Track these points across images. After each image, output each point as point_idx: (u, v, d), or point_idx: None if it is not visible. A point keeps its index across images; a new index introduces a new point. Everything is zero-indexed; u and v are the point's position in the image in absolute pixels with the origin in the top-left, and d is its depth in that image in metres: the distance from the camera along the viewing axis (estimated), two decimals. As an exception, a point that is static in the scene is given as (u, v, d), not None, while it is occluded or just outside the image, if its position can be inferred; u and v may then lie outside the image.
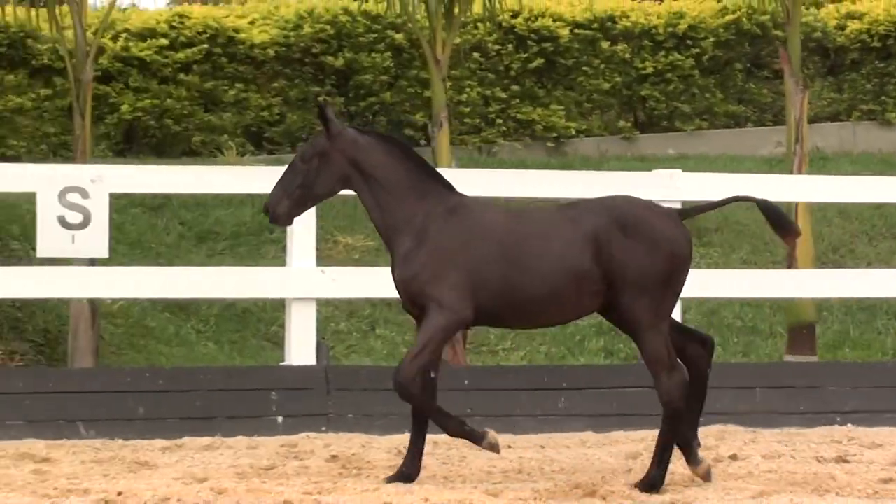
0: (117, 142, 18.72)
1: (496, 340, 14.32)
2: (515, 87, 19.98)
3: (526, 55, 20.00)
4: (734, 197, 9.20)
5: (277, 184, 8.72)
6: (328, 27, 19.55)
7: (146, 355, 13.12)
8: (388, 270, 8.67)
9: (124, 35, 18.82)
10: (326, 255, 11.52)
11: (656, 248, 8.54)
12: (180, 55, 19.00)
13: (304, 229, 10.85)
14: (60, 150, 18.08)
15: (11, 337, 12.82)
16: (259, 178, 11.31)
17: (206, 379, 10.45)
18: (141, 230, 14.90)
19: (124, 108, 18.68)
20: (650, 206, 8.88)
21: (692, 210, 9.30)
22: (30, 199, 11.85)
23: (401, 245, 8.64)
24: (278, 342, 13.10)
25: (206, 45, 19.12)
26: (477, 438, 8.68)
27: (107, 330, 12.87)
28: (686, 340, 8.89)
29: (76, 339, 11.22)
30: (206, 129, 19.06)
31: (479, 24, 19.18)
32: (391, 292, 8.76)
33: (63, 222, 10.29)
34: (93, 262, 10.73)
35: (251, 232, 15.53)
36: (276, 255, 14.72)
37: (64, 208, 10.27)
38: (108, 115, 18.27)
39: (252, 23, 19.72)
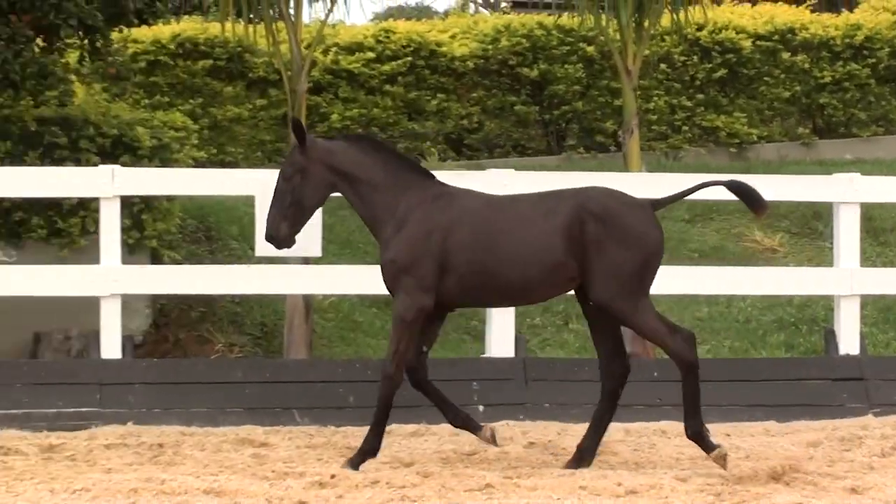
0: (326, 148, 18.86)
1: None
2: (700, 96, 19.73)
3: (710, 66, 19.72)
4: (703, 183, 9.10)
5: (270, 209, 8.74)
6: (524, 40, 19.52)
7: (355, 348, 13.20)
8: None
9: (334, 49, 19.02)
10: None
11: (627, 239, 8.41)
12: (386, 67, 19.13)
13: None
14: (274, 157, 18.33)
15: (231, 330, 12.99)
16: (458, 183, 11.39)
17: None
18: (349, 231, 14.98)
19: (334, 117, 18.86)
20: (623, 197, 8.70)
21: (665, 200, 8.90)
22: (247, 201, 12.06)
23: (383, 233, 8.65)
24: (477, 336, 13.11)
25: (409, 58, 19.21)
26: (474, 428, 8.84)
27: (319, 324, 12.98)
28: (620, 351, 8.76)
29: (291, 333, 11.32)
30: (409, 136, 19.17)
31: (667, 37, 18.93)
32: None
33: (280, 223, 10.39)
34: (306, 260, 10.83)
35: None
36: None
37: (281, 209, 10.39)
38: (318, 124, 18.43)
39: (453, 37, 19.76)
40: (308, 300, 11.39)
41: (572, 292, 8.75)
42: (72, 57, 14.91)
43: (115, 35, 14.22)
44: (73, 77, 15.83)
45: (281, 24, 11.68)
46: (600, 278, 8.37)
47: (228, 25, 12.04)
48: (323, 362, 11.26)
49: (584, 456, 8.60)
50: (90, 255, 11.26)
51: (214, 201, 14.30)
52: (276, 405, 10.24)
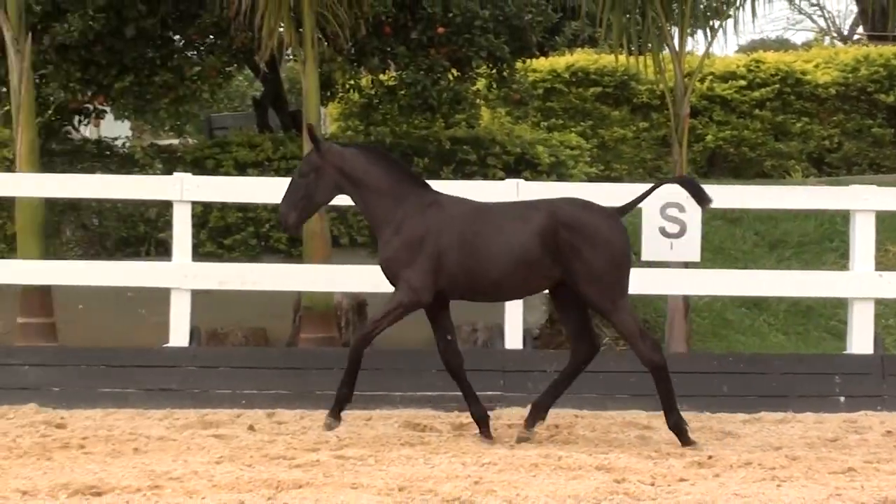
0: (701, 166, 18.81)
1: None
2: None
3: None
4: (660, 181, 9.01)
5: (283, 199, 8.62)
6: (881, 69, 19.04)
7: (726, 343, 13.04)
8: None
9: (709, 77, 18.94)
10: (878, 262, 11.16)
11: (596, 245, 8.30)
12: (756, 94, 18.96)
13: (864, 239, 10.60)
14: (655, 173, 18.35)
15: (617, 327, 13.05)
16: (821, 197, 11.19)
17: (779, 364, 10.26)
18: (721, 238, 14.84)
19: (708, 138, 18.79)
20: (589, 206, 8.53)
21: (628, 205, 8.71)
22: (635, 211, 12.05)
23: (383, 236, 8.56)
24: (837, 334, 12.76)
25: (777, 86, 18.97)
26: (484, 429, 8.64)
27: (695, 321, 12.88)
28: (585, 333, 8.62)
29: (672, 329, 11.25)
30: (775, 155, 18.91)
31: None
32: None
33: (663, 232, 10.36)
34: (686, 265, 10.78)
35: (813, 241, 15.17)
36: (834, 261, 14.35)
37: (664, 220, 10.35)
38: (694, 144, 18.34)
39: (816, 66, 19.41)
40: (687, 300, 11.32)
41: None
42: (480, 84, 15.33)
43: (518, 65, 14.52)
44: (480, 102, 16.26)
45: (665, 55, 11.64)
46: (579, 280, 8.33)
47: (622, 58, 12.09)
48: (701, 356, 11.15)
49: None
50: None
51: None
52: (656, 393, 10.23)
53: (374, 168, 8.63)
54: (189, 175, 10.71)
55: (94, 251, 12.90)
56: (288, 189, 8.70)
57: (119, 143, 13.75)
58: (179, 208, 10.47)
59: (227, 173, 12.70)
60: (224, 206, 12.66)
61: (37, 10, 12.04)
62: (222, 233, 12.88)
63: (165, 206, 12.04)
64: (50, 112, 12.84)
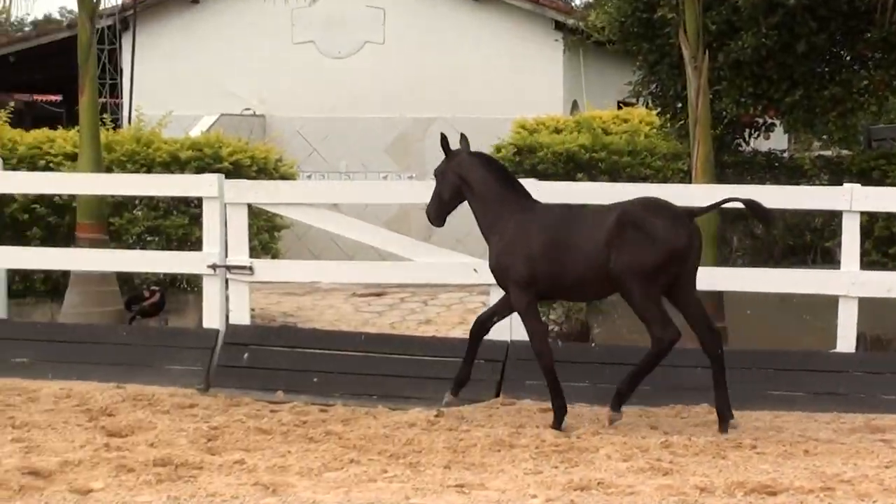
0: None
1: None
2: None
3: None
4: (728, 198, 9.74)
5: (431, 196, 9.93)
6: None
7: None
8: None
9: None
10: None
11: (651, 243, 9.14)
12: None
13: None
14: None
15: None
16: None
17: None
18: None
19: None
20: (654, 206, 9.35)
21: (699, 210, 9.56)
22: None
23: (492, 241, 9.63)
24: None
25: None
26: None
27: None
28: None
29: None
30: None
31: None
32: None
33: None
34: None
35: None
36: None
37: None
38: None
39: None
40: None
41: None
42: None
43: None
44: None
45: None
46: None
47: None
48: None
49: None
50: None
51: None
52: None
53: (488, 176, 9.69)
54: (858, 186, 11.14)
55: (760, 259, 13.66)
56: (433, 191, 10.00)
57: (785, 155, 14.47)
58: (849, 218, 10.91)
59: (892, 184, 13.02)
60: (890, 217, 13.00)
61: (712, 30, 12.94)
62: (887, 242, 13.23)
63: (831, 216, 12.58)
64: (722, 126, 13.73)
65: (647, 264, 9.10)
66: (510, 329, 10.96)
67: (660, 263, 9.12)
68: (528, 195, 9.75)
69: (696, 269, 9.49)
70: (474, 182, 9.73)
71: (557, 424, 9.43)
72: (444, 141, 9.94)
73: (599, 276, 9.26)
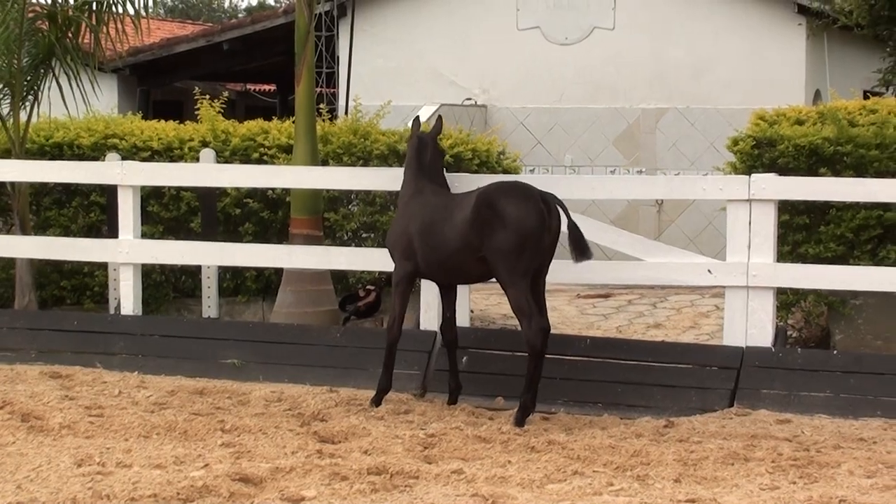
0: None
1: None
2: None
3: None
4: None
5: None
6: None
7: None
8: None
9: None
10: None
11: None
12: None
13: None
14: None
15: None
16: None
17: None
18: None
19: None
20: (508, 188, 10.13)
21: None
22: None
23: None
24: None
25: None
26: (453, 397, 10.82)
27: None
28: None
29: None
30: None
31: None
32: None
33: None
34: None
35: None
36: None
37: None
38: None
39: None
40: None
41: None
42: None
43: None
44: None
45: None
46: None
47: None
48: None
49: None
50: None
51: None
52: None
53: (412, 158, 10.81)
54: None
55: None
56: None
57: None
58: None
59: None
60: None
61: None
62: None
63: None
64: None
65: (504, 245, 9.73)
66: (745, 335, 10.82)
67: (514, 244, 9.72)
68: (442, 182, 10.79)
69: (551, 255, 10.01)
70: (405, 163, 10.96)
71: (375, 402, 10.49)
72: (415, 122, 11.16)
73: (473, 257, 10.00)
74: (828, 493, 7.61)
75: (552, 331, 10.14)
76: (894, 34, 13.67)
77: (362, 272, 14.23)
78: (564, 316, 15.70)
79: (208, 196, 14.37)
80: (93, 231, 14.88)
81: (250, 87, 32.86)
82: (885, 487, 7.80)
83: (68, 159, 14.85)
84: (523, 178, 13.17)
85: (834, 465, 8.45)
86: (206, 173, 13.39)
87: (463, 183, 11.69)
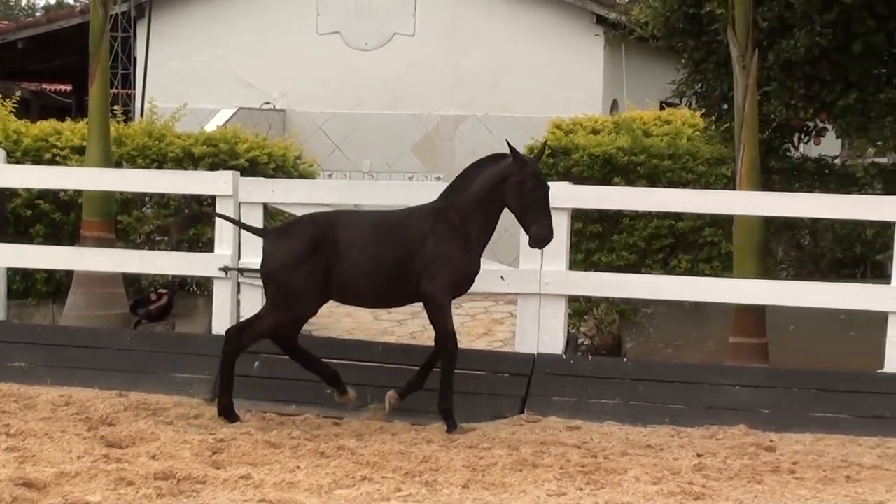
0: None
1: None
2: None
3: None
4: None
5: None
6: None
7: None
8: None
9: None
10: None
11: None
12: None
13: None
14: None
15: None
16: None
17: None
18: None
19: None
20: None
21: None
22: None
23: None
24: None
25: None
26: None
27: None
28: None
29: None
30: None
31: None
32: None
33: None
34: None
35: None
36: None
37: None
38: None
39: None
40: None
41: None
42: None
43: None
44: None
45: None
46: None
47: None
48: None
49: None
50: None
51: None
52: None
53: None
54: (911, 196, 11.13)
55: (806, 271, 13.64)
56: None
57: (837, 161, 14.45)
58: (905, 229, 10.85)
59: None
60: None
61: (763, 27, 12.92)
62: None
63: (882, 227, 12.56)
64: (770, 130, 13.71)
65: None
66: (537, 342, 11.00)
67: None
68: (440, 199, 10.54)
69: None
70: None
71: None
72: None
73: None
74: (614, 500, 7.76)
75: (346, 337, 10.18)
76: (689, 46, 14.02)
77: (155, 276, 14.07)
78: (360, 322, 15.73)
79: (-3, 196, 14.08)
80: None
81: (46, 86, 32.18)
82: (669, 494, 7.99)
83: None
84: (320, 182, 13.18)
85: (621, 471, 8.60)
86: (-5, 173, 13.10)
87: (256, 186, 11.68)
